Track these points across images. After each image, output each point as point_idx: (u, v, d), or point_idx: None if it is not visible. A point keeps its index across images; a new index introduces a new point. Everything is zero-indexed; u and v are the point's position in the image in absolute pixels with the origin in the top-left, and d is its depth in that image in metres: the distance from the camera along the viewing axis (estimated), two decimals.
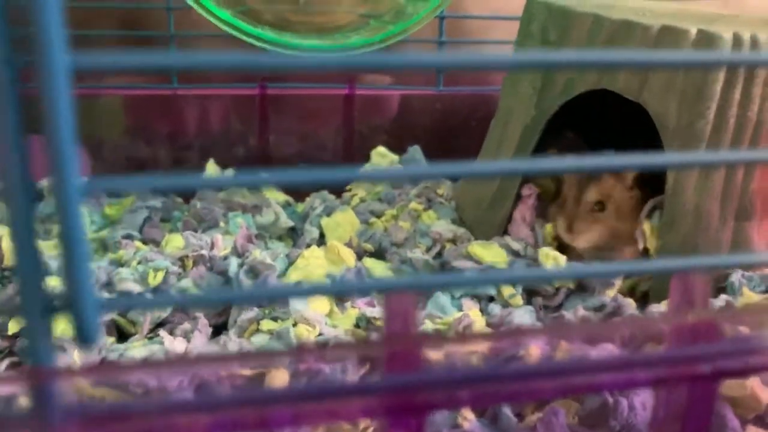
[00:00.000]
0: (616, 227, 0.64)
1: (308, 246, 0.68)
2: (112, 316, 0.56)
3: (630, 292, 0.62)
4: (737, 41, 0.57)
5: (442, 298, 0.59)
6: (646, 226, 0.62)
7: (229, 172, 0.82)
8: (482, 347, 0.22)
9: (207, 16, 0.66)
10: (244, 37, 0.68)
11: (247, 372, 0.49)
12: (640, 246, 0.63)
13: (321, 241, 0.71)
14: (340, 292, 0.27)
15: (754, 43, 0.57)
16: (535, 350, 0.50)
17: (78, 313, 0.18)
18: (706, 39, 0.57)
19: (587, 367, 0.24)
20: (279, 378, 0.48)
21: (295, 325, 0.52)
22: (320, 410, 0.23)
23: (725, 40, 0.57)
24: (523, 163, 0.30)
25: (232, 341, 0.50)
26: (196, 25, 0.77)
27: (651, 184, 0.65)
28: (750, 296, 0.51)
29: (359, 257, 0.66)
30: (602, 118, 0.71)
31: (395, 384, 0.20)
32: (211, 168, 0.80)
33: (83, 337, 0.18)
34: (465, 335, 0.24)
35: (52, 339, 0.19)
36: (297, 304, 0.52)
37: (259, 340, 0.51)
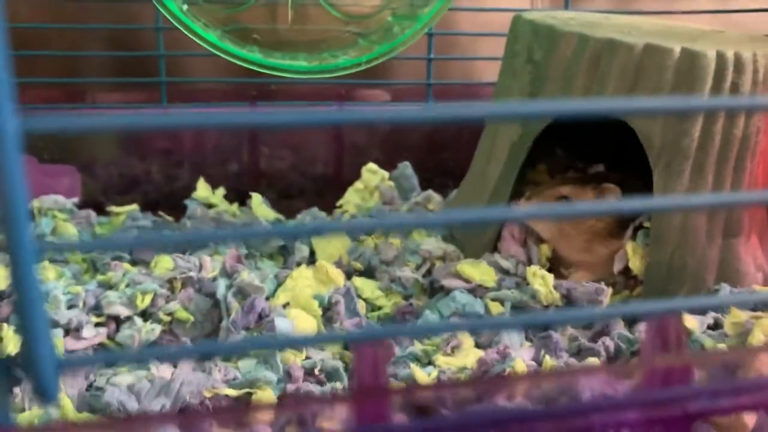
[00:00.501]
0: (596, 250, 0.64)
1: (298, 264, 0.68)
2: (101, 340, 0.56)
3: None
4: (721, 59, 0.57)
5: (431, 317, 0.59)
6: (629, 247, 0.62)
7: (220, 191, 0.82)
8: (459, 392, 0.22)
9: (194, 38, 0.67)
10: (232, 59, 0.69)
11: (232, 393, 0.49)
12: (617, 268, 0.63)
13: (311, 259, 0.71)
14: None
15: (738, 60, 0.57)
16: (520, 365, 0.50)
17: (35, 373, 0.18)
18: (690, 57, 0.57)
19: (576, 410, 0.24)
20: (265, 399, 0.48)
21: (281, 348, 0.52)
22: None
23: (709, 58, 0.57)
24: (505, 211, 0.29)
25: (217, 367, 0.50)
26: (186, 45, 0.77)
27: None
28: (737, 315, 0.51)
29: (348, 276, 0.66)
30: (591, 134, 0.72)
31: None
32: (202, 187, 0.80)
33: (42, 397, 0.18)
34: (438, 385, 0.24)
35: (9, 399, 0.19)
36: (283, 327, 0.52)
37: (246, 365, 0.51)
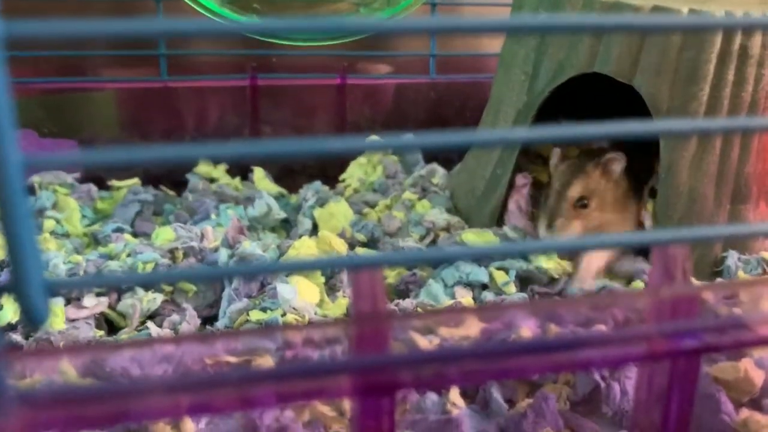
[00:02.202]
0: (601, 220, 0.62)
1: (301, 237, 0.68)
2: (102, 309, 0.56)
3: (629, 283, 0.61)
4: (729, 19, 0.56)
5: (435, 286, 0.59)
6: (650, 206, 0.62)
7: (222, 166, 0.81)
8: (453, 323, 0.22)
9: (194, 5, 0.66)
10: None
11: (233, 360, 0.48)
12: (648, 224, 0.62)
13: (314, 232, 0.71)
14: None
15: (747, 17, 0.56)
16: (525, 333, 0.50)
17: (23, 294, 0.17)
18: (698, 14, 0.56)
19: (572, 343, 0.23)
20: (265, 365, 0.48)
21: (284, 315, 0.51)
22: (300, 390, 0.22)
23: (716, 18, 0.56)
24: (521, 132, 0.29)
25: (219, 333, 0.49)
26: (186, 16, 0.76)
27: (638, 172, 0.65)
28: (744, 278, 0.50)
29: (352, 248, 0.66)
30: (596, 106, 0.71)
31: (365, 363, 0.19)
32: (203, 162, 0.79)
33: (30, 320, 0.18)
34: (433, 311, 0.23)
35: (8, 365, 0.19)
36: (286, 294, 0.52)
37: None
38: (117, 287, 0.57)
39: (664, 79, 0.57)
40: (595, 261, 0.61)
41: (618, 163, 0.63)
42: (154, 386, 0.20)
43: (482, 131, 0.30)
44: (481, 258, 0.59)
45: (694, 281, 0.45)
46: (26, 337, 0.49)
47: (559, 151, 0.65)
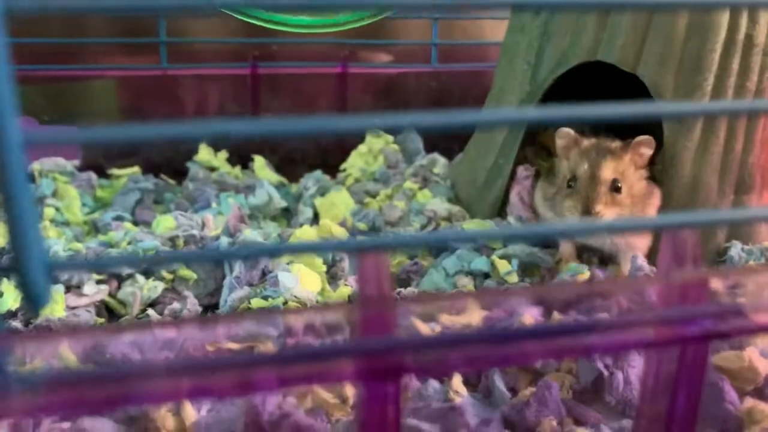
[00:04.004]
0: (632, 210, 0.56)
1: (302, 226, 0.67)
2: (102, 297, 0.56)
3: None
4: (735, 8, 0.55)
5: (436, 275, 0.58)
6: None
7: (222, 155, 0.81)
8: (459, 307, 0.21)
9: None
10: (237, 15, 0.67)
11: (234, 346, 0.48)
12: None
13: (315, 221, 0.70)
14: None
15: (753, 9, 0.56)
16: (528, 320, 0.50)
17: (25, 274, 0.17)
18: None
19: (576, 328, 0.23)
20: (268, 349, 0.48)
21: (285, 303, 0.51)
22: (302, 374, 0.22)
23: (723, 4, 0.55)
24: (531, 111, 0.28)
25: (221, 317, 0.49)
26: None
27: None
28: (754, 266, 0.50)
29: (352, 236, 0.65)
30: (599, 96, 0.70)
31: (369, 347, 0.19)
32: (204, 150, 0.79)
33: (32, 301, 0.17)
34: (439, 295, 0.23)
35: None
36: (288, 282, 0.52)
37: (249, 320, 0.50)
38: (118, 274, 0.57)
39: (669, 69, 0.57)
40: (639, 247, 0.57)
41: (648, 147, 0.57)
42: (154, 370, 0.20)
43: (485, 111, 0.30)
44: (483, 240, 0.59)
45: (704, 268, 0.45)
46: (26, 324, 0.49)
47: (571, 132, 0.58)
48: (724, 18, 0.56)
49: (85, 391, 0.20)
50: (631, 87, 0.59)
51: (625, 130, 0.70)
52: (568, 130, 0.59)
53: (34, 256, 0.17)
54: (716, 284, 0.22)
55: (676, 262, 0.22)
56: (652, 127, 0.58)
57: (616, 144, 0.58)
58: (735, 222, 0.58)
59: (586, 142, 0.58)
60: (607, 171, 0.56)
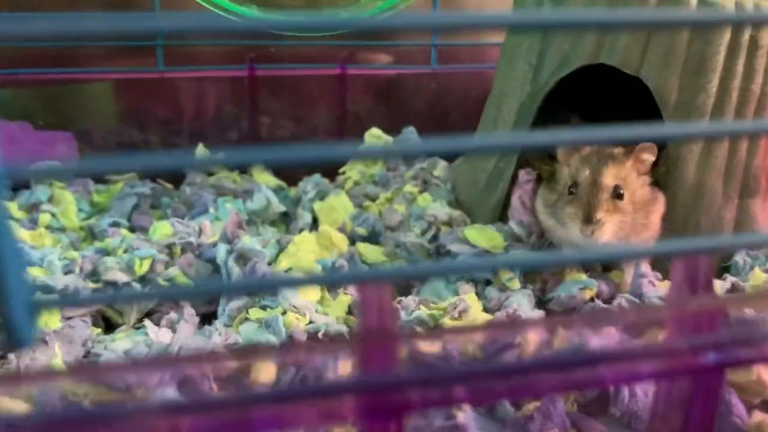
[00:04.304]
0: (634, 218, 0.55)
1: (301, 231, 0.67)
2: (98, 306, 0.55)
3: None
4: (740, 11, 0.55)
5: (437, 282, 0.58)
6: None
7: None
8: (463, 340, 0.21)
9: None
10: (229, 16, 0.66)
11: (233, 365, 0.47)
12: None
13: (314, 225, 0.69)
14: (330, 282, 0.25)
15: (757, 8, 0.55)
16: (533, 337, 0.49)
17: (8, 314, 0.16)
18: (707, 4, 0.54)
19: (586, 360, 0.22)
20: (265, 371, 0.47)
21: (284, 313, 0.50)
22: (300, 413, 0.21)
23: (727, 10, 0.54)
24: (521, 136, 0.28)
25: (218, 332, 0.48)
26: (183, 5, 0.75)
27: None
28: (758, 276, 0.49)
29: (352, 242, 0.64)
30: (603, 99, 0.69)
31: (371, 383, 0.18)
32: (201, 153, 0.78)
33: (14, 340, 0.17)
34: (442, 330, 0.22)
35: None
36: (286, 292, 0.51)
37: (248, 329, 0.49)
38: (114, 283, 0.56)
39: (672, 71, 0.56)
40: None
41: (650, 153, 0.56)
42: (147, 409, 0.19)
43: (482, 136, 0.29)
44: (478, 271, 0.57)
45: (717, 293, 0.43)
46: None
47: None
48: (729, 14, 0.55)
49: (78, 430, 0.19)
50: (635, 87, 0.58)
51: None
52: None
53: (17, 297, 0.16)
54: (732, 309, 0.21)
55: (688, 287, 0.21)
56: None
57: (617, 150, 0.57)
58: (740, 235, 0.57)
59: (588, 148, 0.57)
60: (609, 177, 0.55)
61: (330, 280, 0.23)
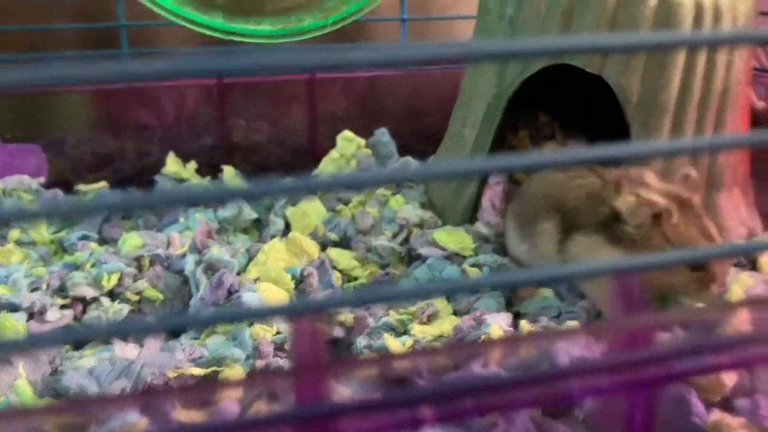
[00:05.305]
0: None
1: (273, 237, 0.66)
2: (66, 322, 0.54)
3: None
4: (698, 7, 0.55)
5: (407, 285, 0.58)
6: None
7: (192, 165, 0.80)
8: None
9: (152, 6, 0.64)
10: (192, 26, 0.66)
11: (198, 372, 0.47)
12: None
13: (287, 231, 0.69)
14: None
15: (716, 8, 0.55)
16: (496, 330, 0.49)
17: None
18: (667, 7, 0.55)
19: (549, 376, 0.22)
20: (233, 376, 0.47)
21: (251, 325, 0.50)
22: None
23: (686, 7, 0.55)
24: (480, 162, 0.28)
25: (183, 346, 0.48)
26: (149, 15, 0.74)
27: None
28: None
29: (324, 247, 0.64)
30: (571, 96, 0.69)
31: (308, 414, 0.18)
32: (172, 162, 0.77)
33: None
34: (380, 358, 0.22)
35: None
36: (253, 303, 0.51)
37: (214, 343, 0.49)
38: (82, 298, 0.56)
39: (634, 70, 0.56)
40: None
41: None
42: None
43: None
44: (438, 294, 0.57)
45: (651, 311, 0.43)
46: None
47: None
48: (688, 17, 0.55)
49: None
50: (600, 85, 0.59)
51: (592, 127, 0.70)
52: None
53: None
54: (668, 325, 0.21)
55: (626, 306, 0.21)
56: (619, 122, 0.58)
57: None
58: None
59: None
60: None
61: (290, 310, 0.23)
